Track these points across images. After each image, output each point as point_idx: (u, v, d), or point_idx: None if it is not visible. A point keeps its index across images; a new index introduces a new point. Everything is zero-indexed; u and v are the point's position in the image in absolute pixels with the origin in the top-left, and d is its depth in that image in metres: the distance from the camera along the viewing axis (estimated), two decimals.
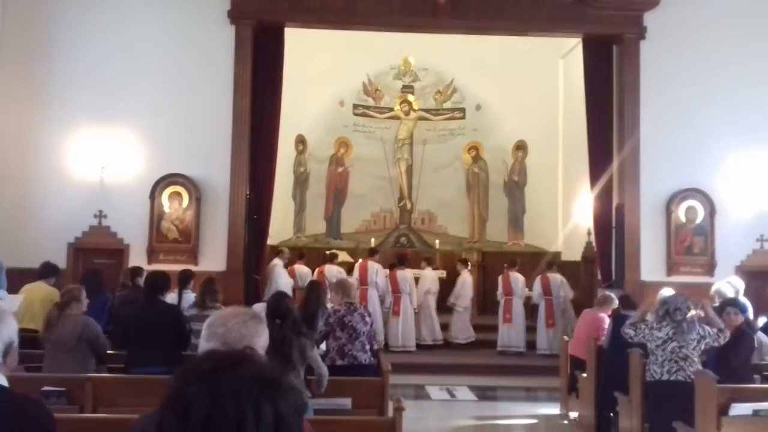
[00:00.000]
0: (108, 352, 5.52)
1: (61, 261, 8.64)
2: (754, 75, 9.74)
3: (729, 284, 6.91)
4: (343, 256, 12.74)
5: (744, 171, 9.65)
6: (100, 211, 9.24)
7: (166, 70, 9.43)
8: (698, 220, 9.63)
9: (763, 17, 9.79)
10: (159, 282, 5.67)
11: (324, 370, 4.72)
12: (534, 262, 12.45)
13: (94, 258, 9.31)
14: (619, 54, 9.84)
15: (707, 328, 5.32)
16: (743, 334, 5.49)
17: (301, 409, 1.33)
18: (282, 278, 10.00)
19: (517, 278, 10.70)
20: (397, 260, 11.06)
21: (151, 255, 9.17)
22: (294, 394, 1.32)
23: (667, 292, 7.12)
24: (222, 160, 9.35)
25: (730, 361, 5.31)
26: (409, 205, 14.59)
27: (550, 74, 13.13)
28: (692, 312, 5.46)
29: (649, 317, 5.70)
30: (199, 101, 9.41)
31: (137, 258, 9.09)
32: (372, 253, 11.09)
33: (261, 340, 2.06)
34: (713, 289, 6.94)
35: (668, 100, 9.64)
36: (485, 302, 12.29)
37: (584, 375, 7.08)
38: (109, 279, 8.65)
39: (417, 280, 11.01)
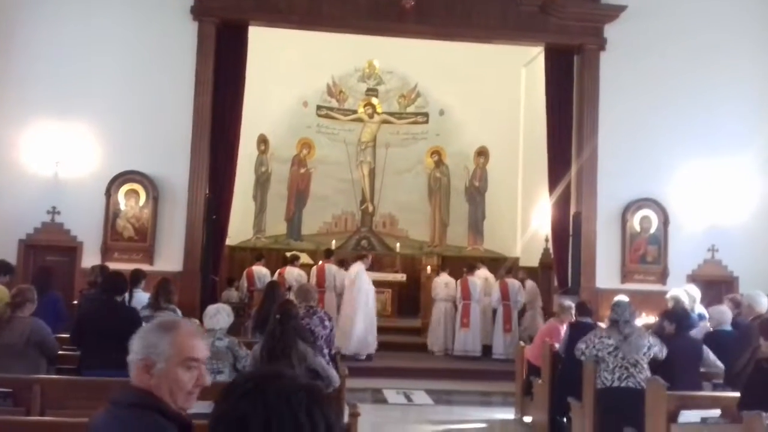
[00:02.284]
0: (60, 352, 5.38)
1: (11, 258, 8.38)
2: (710, 88, 10.00)
3: (685, 292, 7.08)
4: (303, 258, 12.69)
5: (697, 182, 9.91)
6: (54, 207, 9.00)
7: (126, 65, 9.24)
8: (652, 230, 9.84)
9: (717, 33, 10.06)
10: (117, 283, 5.54)
11: (331, 372, 4.77)
12: (493, 267, 12.57)
13: (46, 255, 9.06)
14: (579, 64, 10.01)
15: (652, 339, 5.48)
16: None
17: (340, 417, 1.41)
18: (365, 283, 10.02)
19: (476, 283, 10.77)
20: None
21: (105, 253, 8.95)
22: (333, 403, 1.39)
23: (621, 298, 7.29)
24: (181, 158, 9.19)
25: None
26: (370, 208, 14.60)
27: (513, 82, 13.29)
28: (643, 320, 5.59)
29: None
30: (159, 98, 9.24)
31: (91, 256, 8.87)
32: (328, 254, 11.02)
33: (160, 351, 2.03)
34: (669, 295, 7.11)
35: (625, 111, 9.84)
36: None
37: (539, 381, 7.17)
38: (61, 277, 8.48)
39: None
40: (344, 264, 10.64)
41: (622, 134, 9.82)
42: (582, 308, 6.93)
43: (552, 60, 10.13)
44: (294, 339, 4.61)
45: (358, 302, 9.87)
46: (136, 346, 2.05)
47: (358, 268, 10.18)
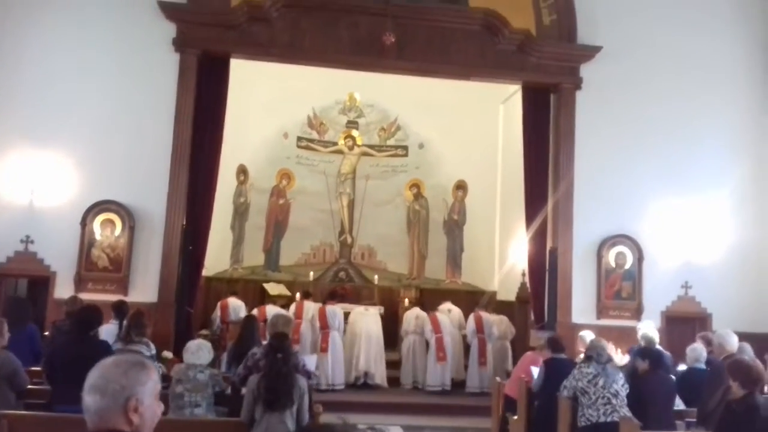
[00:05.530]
0: (29, 386, 5.28)
1: None
2: (684, 126, 10.23)
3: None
4: (279, 289, 12.64)
5: (670, 219, 10.07)
6: (28, 236, 8.87)
7: (106, 94, 9.22)
8: (627, 266, 9.94)
9: (690, 72, 10.33)
10: (91, 316, 5.47)
11: (307, 419, 4.80)
12: (471, 300, 12.60)
13: (19, 285, 8.91)
14: (556, 102, 10.20)
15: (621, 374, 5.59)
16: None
17: None
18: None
19: (444, 319, 10.75)
20: (329, 295, 11.01)
21: (79, 284, 8.81)
22: None
23: (588, 336, 7.37)
24: (159, 188, 9.14)
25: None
26: (349, 240, 14.59)
27: (491, 118, 13.49)
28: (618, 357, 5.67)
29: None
30: (138, 127, 9.22)
31: (64, 287, 8.73)
32: (306, 296, 11.07)
33: (146, 389, 1.95)
34: (640, 333, 7.20)
35: (601, 149, 10.03)
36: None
37: (515, 417, 7.16)
38: (32, 308, 8.33)
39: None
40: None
41: (598, 171, 9.99)
42: (555, 344, 6.94)
43: (529, 97, 10.32)
44: (295, 376, 4.65)
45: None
46: (113, 388, 1.90)
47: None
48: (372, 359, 10.55)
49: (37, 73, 9.12)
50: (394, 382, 10.79)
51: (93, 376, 1.93)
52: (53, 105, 9.08)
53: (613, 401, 5.34)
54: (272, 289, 12.62)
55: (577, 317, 9.70)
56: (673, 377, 6.20)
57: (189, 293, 9.25)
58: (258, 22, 9.49)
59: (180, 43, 9.31)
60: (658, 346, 6.74)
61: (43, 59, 9.14)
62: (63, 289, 8.66)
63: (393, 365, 11.53)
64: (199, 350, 5.34)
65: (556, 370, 6.39)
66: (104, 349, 5.39)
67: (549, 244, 9.95)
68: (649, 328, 7.39)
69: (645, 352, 6.08)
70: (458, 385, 10.55)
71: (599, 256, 9.88)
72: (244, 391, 5.04)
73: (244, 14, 9.41)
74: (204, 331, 10.17)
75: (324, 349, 10.16)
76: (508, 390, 7.63)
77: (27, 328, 6.43)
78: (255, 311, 10.14)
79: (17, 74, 9.08)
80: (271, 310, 10.29)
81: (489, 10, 9.86)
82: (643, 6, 10.32)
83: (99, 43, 9.26)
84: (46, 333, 7.76)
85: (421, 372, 10.72)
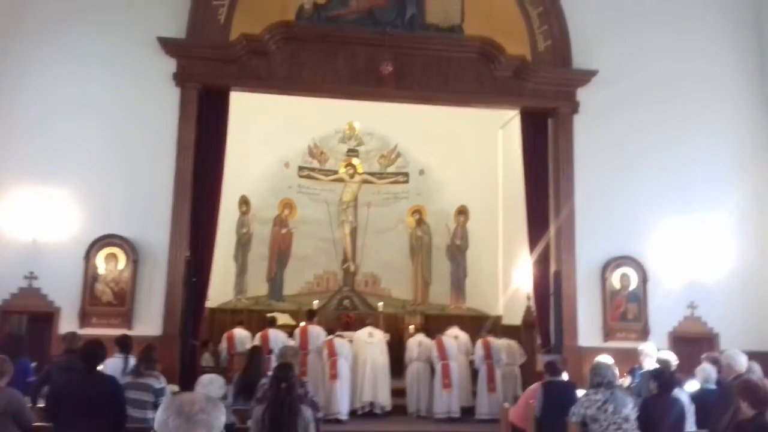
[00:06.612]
0: (35, 424, 5.26)
1: None
2: (683, 147, 10.26)
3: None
4: (284, 319, 12.58)
5: (674, 239, 10.06)
6: (31, 272, 8.88)
7: (108, 129, 9.30)
8: (632, 287, 9.91)
9: (687, 92, 10.40)
10: (97, 351, 5.45)
11: None
12: (476, 325, 12.56)
13: (23, 321, 8.90)
14: (554, 126, 10.25)
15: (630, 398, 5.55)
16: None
17: None
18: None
19: (451, 342, 10.69)
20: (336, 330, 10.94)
21: (83, 319, 8.81)
22: None
23: (604, 359, 7.31)
24: (162, 221, 9.18)
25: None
26: (352, 268, 14.59)
27: (490, 142, 13.59)
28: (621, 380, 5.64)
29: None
30: (140, 161, 9.28)
31: (68, 322, 8.71)
32: (311, 316, 10.89)
33: (221, 422, 2.08)
34: (658, 357, 7.19)
35: (600, 171, 10.06)
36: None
37: None
38: (37, 344, 8.34)
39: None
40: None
41: (599, 193, 10.00)
42: (552, 368, 6.89)
43: (527, 122, 10.38)
44: (299, 406, 4.66)
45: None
46: (214, 422, 2.02)
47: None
48: (377, 388, 10.45)
49: (38, 110, 9.21)
50: (400, 410, 10.69)
51: (191, 407, 2.01)
52: (55, 141, 9.15)
53: (624, 426, 5.30)
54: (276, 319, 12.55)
55: (583, 340, 9.65)
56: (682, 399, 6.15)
57: (193, 325, 9.22)
58: (257, 56, 9.61)
59: (180, 78, 9.42)
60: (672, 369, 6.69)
61: (44, 96, 9.24)
62: (67, 325, 8.63)
63: (399, 393, 11.45)
64: (210, 384, 5.41)
65: (555, 393, 6.39)
66: (113, 385, 5.37)
67: (552, 267, 9.93)
68: (652, 349, 7.33)
69: (656, 374, 6.03)
70: (468, 412, 10.43)
71: (603, 278, 9.86)
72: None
73: (243, 48, 9.53)
74: (206, 357, 10.11)
75: (333, 376, 10.00)
76: (512, 417, 7.57)
77: (19, 363, 6.43)
78: (258, 336, 10.11)
79: (18, 111, 9.17)
80: (274, 334, 10.22)
81: (485, 37, 9.98)
82: (637, 29, 10.44)
83: (99, 79, 9.36)
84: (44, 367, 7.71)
85: (424, 400, 10.60)
